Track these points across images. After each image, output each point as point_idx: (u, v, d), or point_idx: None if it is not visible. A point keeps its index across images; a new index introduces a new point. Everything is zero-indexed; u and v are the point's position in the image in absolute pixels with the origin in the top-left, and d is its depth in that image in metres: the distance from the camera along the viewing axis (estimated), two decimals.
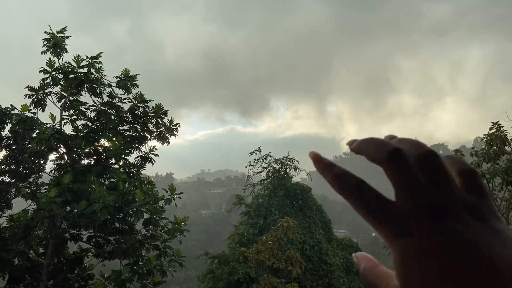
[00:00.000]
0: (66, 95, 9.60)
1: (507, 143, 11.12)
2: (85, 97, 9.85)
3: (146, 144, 10.23)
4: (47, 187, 9.28)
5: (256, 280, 13.25)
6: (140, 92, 10.00)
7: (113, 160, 9.88)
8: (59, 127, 9.41)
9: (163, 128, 10.15)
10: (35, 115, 9.53)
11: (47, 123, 9.40)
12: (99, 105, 9.85)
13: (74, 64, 9.45)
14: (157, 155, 10.27)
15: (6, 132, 9.61)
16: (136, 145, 10.17)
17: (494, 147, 11.15)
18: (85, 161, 9.93)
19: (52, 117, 9.38)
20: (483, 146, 11.64)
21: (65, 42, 9.50)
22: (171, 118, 10.24)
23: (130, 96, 9.97)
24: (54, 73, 9.42)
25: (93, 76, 9.56)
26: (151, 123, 10.15)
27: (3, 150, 9.71)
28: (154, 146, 10.24)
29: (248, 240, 19.37)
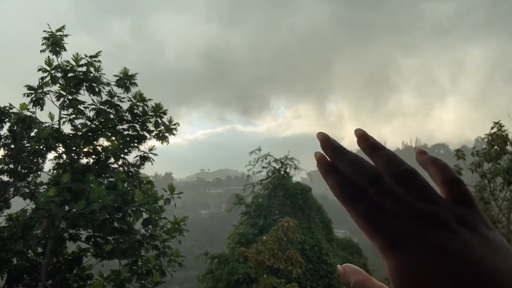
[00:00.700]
0: (65, 94, 9.55)
1: (508, 143, 11.09)
2: (84, 96, 9.80)
3: (146, 144, 10.19)
4: (45, 186, 9.23)
5: (256, 280, 13.21)
6: (140, 91, 9.95)
7: (112, 160, 9.83)
8: (58, 126, 9.36)
9: (162, 127, 10.10)
10: (33, 114, 9.48)
11: (45, 122, 9.35)
12: (98, 104, 9.80)
13: (73, 63, 9.40)
14: (156, 154, 10.22)
15: (4, 131, 9.55)
16: (135, 145, 10.12)
17: (496, 147, 11.13)
18: (84, 161, 9.88)
19: (51, 116, 9.33)
20: (485, 146, 11.62)
21: (64, 41, 9.45)
22: (171, 117, 10.20)
23: (130, 95, 9.92)
24: (53, 71, 9.37)
25: (92, 75, 9.51)
26: (151, 122, 10.10)
27: (1, 149, 9.65)
28: (154, 146, 10.19)
29: (248, 240, 19.34)
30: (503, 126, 11.22)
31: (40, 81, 9.37)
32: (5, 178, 9.75)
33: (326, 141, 0.52)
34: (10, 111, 9.40)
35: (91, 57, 9.48)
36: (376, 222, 0.44)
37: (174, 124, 10.20)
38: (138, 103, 9.92)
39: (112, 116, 9.86)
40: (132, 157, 10.17)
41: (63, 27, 9.42)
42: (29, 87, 9.33)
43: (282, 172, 23.50)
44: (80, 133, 9.58)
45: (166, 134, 10.12)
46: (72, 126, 9.65)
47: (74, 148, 9.32)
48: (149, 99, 10.01)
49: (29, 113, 9.40)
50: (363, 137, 0.53)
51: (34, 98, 9.35)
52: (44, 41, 9.31)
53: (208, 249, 21.05)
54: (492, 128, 11.31)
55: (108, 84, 9.77)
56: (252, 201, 23.33)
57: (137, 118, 10.02)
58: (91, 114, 9.83)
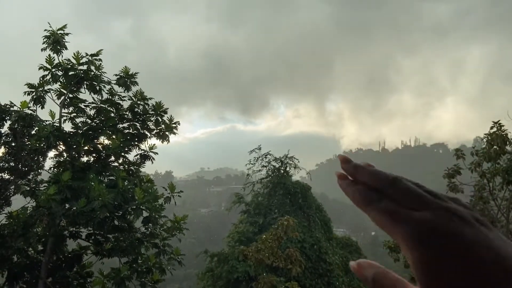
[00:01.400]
0: (65, 92, 9.57)
1: (507, 143, 11.09)
2: (85, 95, 9.82)
3: (146, 142, 10.20)
4: (46, 184, 9.25)
5: (256, 278, 13.24)
6: (140, 89, 9.97)
7: (113, 158, 9.85)
8: (58, 125, 9.37)
9: (163, 126, 10.12)
10: (34, 112, 9.50)
11: (46, 120, 9.37)
12: (98, 103, 9.82)
13: (74, 61, 9.42)
14: (157, 153, 10.24)
15: (5, 129, 9.57)
16: (136, 143, 10.14)
17: (495, 147, 11.13)
18: (85, 159, 9.90)
19: (52, 114, 9.35)
20: (484, 146, 11.62)
21: (65, 39, 9.46)
22: (171, 116, 10.21)
23: (130, 93, 9.94)
24: (53, 70, 9.38)
25: (92, 73, 9.53)
26: (151, 121, 10.11)
27: (2, 147, 9.67)
28: (154, 144, 10.21)
29: (248, 238, 19.37)
30: (503, 126, 11.22)
31: (41, 79, 9.39)
32: (5, 176, 9.77)
33: (346, 159, 0.55)
34: (11, 109, 9.42)
35: (91, 55, 9.50)
36: (400, 216, 0.46)
37: (175, 123, 10.22)
38: (138, 102, 9.94)
39: (112, 114, 9.88)
40: (132, 155, 10.20)
41: (64, 26, 9.44)
42: (30, 85, 9.35)
43: (282, 171, 23.51)
44: (81, 131, 9.60)
45: (167, 133, 10.13)
46: (72, 124, 9.67)
47: (74, 146, 9.35)
48: (150, 98, 10.03)
49: (29, 111, 9.42)
50: (345, 160, 0.55)
51: (35, 96, 9.36)
52: (45, 40, 9.33)
53: (207, 247, 21.07)
54: (491, 128, 11.31)
55: (109, 83, 9.79)
56: (252, 199, 23.34)
57: (138, 116, 10.04)
58: (91, 112, 9.86)
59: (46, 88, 9.47)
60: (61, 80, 9.47)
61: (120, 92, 9.96)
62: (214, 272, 17.81)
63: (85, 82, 9.55)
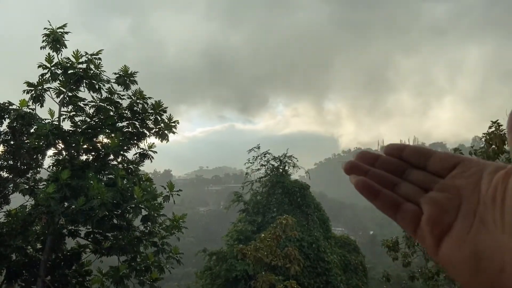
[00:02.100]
0: (65, 90, 9.56)
1: (506, 142, 11.12)
2: (84, 93, 9.81)
3: (145, 141, 10.20)
4: (45, 182, 9.25)
5: (254, 277, 13.26)
6: (140, 88, 9.96)
7: (112, 157, 9.84)
8: (57, 123, 9.37)
9: (162, 125, 10.12)
10: (33, 110, 9.49)
11: (45, 119, 9.37)
12: (98, 101, 9.81)
13: (73, 60, 9.41)
14: (156, 152, 10.24)
15: (4, 127, 9.56)
16: (135, 142, 10.14)
17: (493, 146, 11.15)
18: (84, 157, 9.90)
19: (51, 113, 9.35)
20: (482, 145, 11.63)
21: (64, 38, 9.45)
22: (170, 115, 10.20)
23: (129, 92, 9.93)
24: (53, 68, 9.37)
25: (92, 72, 9.52)
26: (150, 119, 10.11)
27: (1, 145, 9.67)
28: (153, 143, 10.21)
29: (246, 237, 19.40)
30: (501, 125, 11.23)
31: (40, 77, 9.38)
32: (4, 174, 9.78)
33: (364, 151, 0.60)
34: (10, 107, 9.42)
35: (91, 54, 9.49)
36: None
37: (174, 122, 10.21)
38: (138, 101, 9.94)
39: (111, 113, 9.88)
40: (131, 154, 10.19)
41: (64, 25, 9.43)
42: (29, 84, 9.34)
43: (281, 170, 23.53)
44: (80, 130, 9.60)
45: (166, 132, 10.13)
46: (72, 123, 9.67)
47: (73, 145, 9.34)
48: (149, 97, 10.02)
49: (28, 110, 9.42)
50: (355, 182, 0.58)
51: (34, 95, 9.36)
52: (44, 38, 9.32)
53: (206, 246, 21.10)
54: (490, 127, 11.31)
55: (108, 82, 9.78)
56: (251, 198, 23.36)
57: (137, 115, 10.04)
58: (91, 111, 9.85)
59: (45, 86, 9.47)
60: (61, 78, 9.46)
61: (119, 91, 9.96)
62: (212, 271, 17.84)
63: (84, 80, 9.55)
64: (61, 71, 9.42)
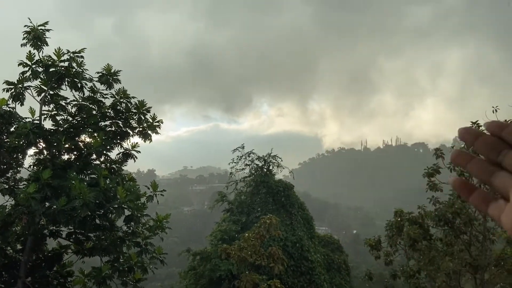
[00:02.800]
0: (46, 89, 9.40)
1: None
2: (66, 92, 9.66)
3: (128, 140, 10.10)
4: (25, 182, 9.08)
5: (238, 277, 13.27)
6: (123, 88, 9.86)
7: (94, 156, 9.72)
8: (38, 122, 9.20)
9: (145, 124, 10.03)
10: (13, 109, 9.30)
11: (26, 118, 9.18)
12: (80, 100, 9.67)
13: (55, 58, 9.25)
14: (139, 151, 10.15)
15: None
16: (118, 141, 10.03)
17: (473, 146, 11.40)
18: (65, 157, 9.74)
19: (32, 112, 9.17)
20: (463, 145, 11.88)
21: (46, 36, 9.28)
22: (154, 114, 10.13)
23: (113, 91, 9.82)
24: (34, 66, 9.20)
25: (74, 70, 9.38)
26: (134, 119, 10.02)
27: None
28: (137, 143, 10.12)
29: (230, 237, 19.39)
30: (481, 126, 11.49)
31: (21, 75, 9.20)
32: None
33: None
34: None
35: (73, 52, 9.34)
36: None
37: (158, 122, 10.14)
38: (121, 100, 9.83)
39: (94, 112, 9.75)
40: (114, 154, 10.08)
41: (46, 23, 9.27)
42: (8, 82, 9.15)
43: (265, 170, 23.60)
44: (62, 129, 9.45)
45: (149, 132, 10.05)
46: (53, 121, 9.50)
47: (55, 144, 9.19)
48: (133, 97, 9.93)
49: (8, 109, 9.22)
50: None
51: (13, 93, 9.17)
52: (25, 35, 9.14)
53: (190, 246, 21.04)
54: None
55: (91, 80, 9.64)
56: (235, 198, 23.36)
57: (120, 114, 9.93)
58: (73, 110, 9.70)
59: (25, 84, 9.29)
60: (42, 76, 9.29)
61: (102, 89, 9.83)
62: (196, 271, 17.79)
63: (66, 79, 9.39)
64: (42, 69, 9.25)
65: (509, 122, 0.65)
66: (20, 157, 9.83)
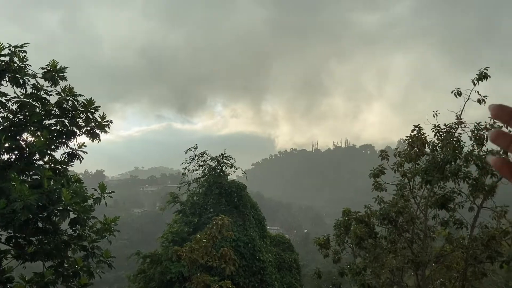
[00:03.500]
0: None
1: (426, 145, 12.01)
2: (7, 88, 9.11)
3: (75, 140, 9.70)
4: None
5: (189, 279, 13.15)
6: (69, 85, 9.45)
7: (37, 156, 9.25)
8: None
9: (93, 124, 9.69)
10: None
11: None
12: (22, 97, 9.16)
13: None
14: (86, 152, 9.78)
15: None
16: (64, 141, 9.60)
17: (415, 148, 12.00)
18: (5, 157, 9.19)
19: None
20: (406, 147, 12.48)
21: None
22: (103, 113, 9.80)
23: (58, 88, 9.39)
24: None
25: (16, 65, 8.87)
26: (81, 118, 9.63)
27: None
28: (83, 143, 9.74)
29: (182, 238, 19.17)
30: (422, 129, 12.13)
31: None
32: None
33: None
34: None
35: (15, 47, 8.84)
36: None
37: (107, 121, 9.83)
38: (67, 98, 9.43)
39: (38, 110, 9.28)
40: (59, 153, 9.64)
41: None
42: None
43: (218, 170, 23.53)
44: (2, 127, 8.91)
45: (98, 131, 9.71)
46: None
47: None
48: (80, 95, 9.55)
49: None
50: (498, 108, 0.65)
51: None
52: None
53: (140, 248, 20.51)
54: (412, 131, 12.17)
55: (34, 76, 9.17)
56: (187, 199, 23.12)
57: (66, 113, 9.51)
58: (14, 107, 9.18)
59: None
60: None
61: (47, 86, 9.37)
62: (146, 274, 17.39)
63: (7, 74, 8.87)
64: None
65: None
66: None
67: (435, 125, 11.70)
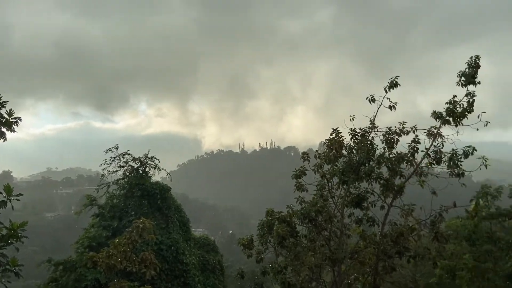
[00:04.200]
0: None
1: (344, 148, 12.66)
2: None
3: None
4: None
5: (106, 286, 12.53)
6: None
7: None
8: None
9: None
10: None
11: None
12: None
13: None
14: None
15: None
16: None
17: (334, 151, 12.59)
18: None
19: None
20: (325, 150, 13.04)
21: None
22: (11, 109, 8.99)
23: None
24: None
25: None
26: None
27: None
28: None
29: (100, 243, 18.21)
30: (340, 132, 12.76)
31: None
32: None
33: None
34: None
35: None
36: None
37: (15, 118, 9.02)
38: None
39: None
40: None
41: None
42: None
43: (141, 172, 22.78)
44: None
45: (4, 129, 8.88)
46: None
47: None
48: None
49: None
50: None
51: None
52: None
53: (53, 255, 19.20)
54: (331, 134, 12.76)
55: None
56: (106, 202, 22.03)
57: None
58: None
59: None
60: None
61: None
62: (58, 282, 16.28)
63: None
64: None
65: None
66: None
67: (351, 129, 12.37)
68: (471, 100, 11.60)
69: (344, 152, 12.71)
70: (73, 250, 19.14)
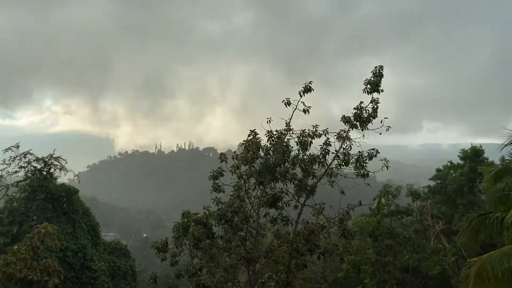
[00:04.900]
0: None
1: (260, 149, 12.91)
2: None
3: None
4: None
5: None
6: None
7: None
8: None
9: None
10: None
11: None
12: None
13: None
14: None
15: None
16: None
17: (251, 152, 12.77)
18: None
19: None
20: (243, 151, 13.18)
21: None
22: None
23: None
24: None
25: None
26: None
27: None
28: None
29: None
30: (257, 134, 12.99)
31: None
32: None
33: None
34: None
35: None
36: None
37: None
38: None
39: None
40: None
41: None
42: None
43: (45, 173, 21.14)
44: None
45: None
46: None
47: None
48: None
49: None
50: None
51: None
52: None
53: None
54: (249, 135, 12.94)
55: None
56: (5, 205, 20.15)
57: None
58: None
59: None
60: None
61: None
62: None
63: None
64: None
65: None
66: None
67: (268, 130, 12.67)
68: (375, 106, 12.56)
69: (261, 153, 12.95)
70: None
